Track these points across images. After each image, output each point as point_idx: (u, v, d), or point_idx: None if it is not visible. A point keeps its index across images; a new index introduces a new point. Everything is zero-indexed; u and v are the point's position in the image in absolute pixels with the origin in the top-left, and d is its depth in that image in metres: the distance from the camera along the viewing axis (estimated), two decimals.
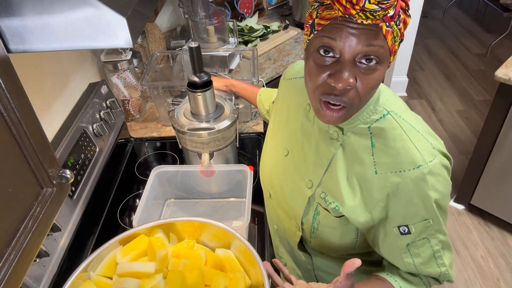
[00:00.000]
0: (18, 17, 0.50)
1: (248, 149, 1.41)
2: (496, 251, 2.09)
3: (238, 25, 1.92)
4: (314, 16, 0.61)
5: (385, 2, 0.52)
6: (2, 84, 0.45)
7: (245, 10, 2.07)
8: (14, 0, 0.49)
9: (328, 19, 0.58)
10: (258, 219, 1.13)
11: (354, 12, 0.54)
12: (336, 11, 0.56)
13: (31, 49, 0.53)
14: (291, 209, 0.82)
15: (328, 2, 0.58)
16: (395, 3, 0.55)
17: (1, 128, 0.46)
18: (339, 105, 0.63)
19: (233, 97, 1.23)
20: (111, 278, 0.82)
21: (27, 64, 0.96)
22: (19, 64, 0.87)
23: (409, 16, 0.60)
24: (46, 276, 0.87)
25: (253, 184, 1.06)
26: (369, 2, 0.52)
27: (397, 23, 0.57)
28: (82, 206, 1.04)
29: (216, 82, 1.24)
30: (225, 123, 1.08)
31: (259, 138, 1.42)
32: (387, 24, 0.56)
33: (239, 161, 1.31)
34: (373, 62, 0.59)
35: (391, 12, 0.55)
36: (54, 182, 0.56)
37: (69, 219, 0.98)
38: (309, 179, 0.77)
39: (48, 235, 0.90)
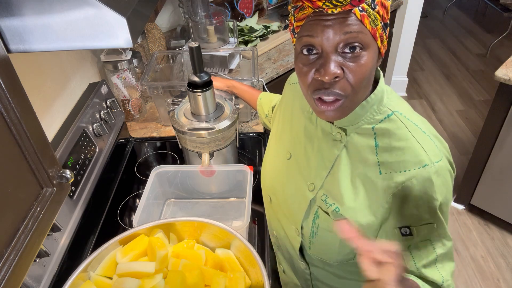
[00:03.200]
0: (18, 17, 0.50)
1: (248, 149, 1.41)
2: (496, 251, 2.09)
3: (238, 25, 1.92)
4: (293, 21, 0.63)
5: None
6: (2, 84, 0.45)
7: (245, 10, 2.07)
8: (14, 0, 0.49)
9: (303, 19, 0.60)
10: (258, 219, 1.13)
11: (320, 3, 0.54)
12: (307, 8, 0.58)
13: (31, 49, 0.53)
14: (292, 213, 0.82)
15: (299, 3, 0.59)
16: None
17: (1, 128, 0.46)
18: (333, 98, 0.63)
19: (233, 97, 1.23)
20: (111, 278, 0.82)
21: (27, 64, 0.96)
22: (19, 64, 0.87)
23: None
24: (46, 276, 0.87)
25: (253, 184, 1.06)
26: None
27: (373, 7, 0.57)
28: (82, 206, 1.04)
29: (218, 82, 1.24)
30: (225, 123, 1.08)
31: (259, 138, 1.42)
32: (360, 8, 0.56)
33: (239, 161, 1.31)
34: (357, 49, 0.59)
35: None
36: (54, 182, 0.56)
37: (69, 219, 0.98)
38: (311, 182, 0.77)
39: (48, 235, 0.90)
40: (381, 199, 0.68)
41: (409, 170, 0.65)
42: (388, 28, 0.62)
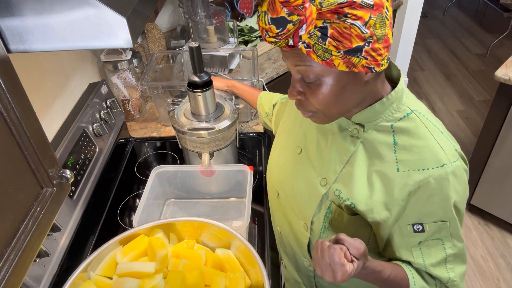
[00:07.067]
0: (18, 17, 0.50)
1: (248, 149, 1.41)
2: (496, 251, 2.09)
3: (238, 25, 1.92)
4: None
5: (279, 35, 0.56)
6: (2, 84, 0.45)
7: (245, 10, 2.07)
8: (14, 0, 0.49)
9: None
10: (258, 219, 1.13)
11: (271, 40, 0.59)
12: None
13: (31, 49, 0.53)
14: (301, 208, 0.82)
15: None
16: (292, 32, 0.55)
17: (1, 128, 0.46)
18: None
19: (233, 97, 1.23)
20: (111, 278, 0.82)
21: (27, 64, 0.96)
22: (19, 64, 0.87)
23: (353, 24, 0.54)
24: (46, 276, 0.87)
25: (253, 184, 1.06)
26: (269, 36, 0.58)
27: (320, 41, 0.56)
28: (82, 206, 1.04)
29: (218, 82, 1.24)
30: (225, 123, 1.08)
31: (259, 138, 1.42)
32: (305, 45, 0.57)
33: (239, 161, 1.31)
34: (311, 79, 0.63)
35: (290, 41, 0.57)
36: (54, 182, 0.56)
37: (69, 219, 0.98)
38: (323, 177, 0.77)
39: (48, 235, 0.90)
40: (397, 196, 0.68)
41: (428, 169, 0.66)
42: (373, 45, 0.57)
